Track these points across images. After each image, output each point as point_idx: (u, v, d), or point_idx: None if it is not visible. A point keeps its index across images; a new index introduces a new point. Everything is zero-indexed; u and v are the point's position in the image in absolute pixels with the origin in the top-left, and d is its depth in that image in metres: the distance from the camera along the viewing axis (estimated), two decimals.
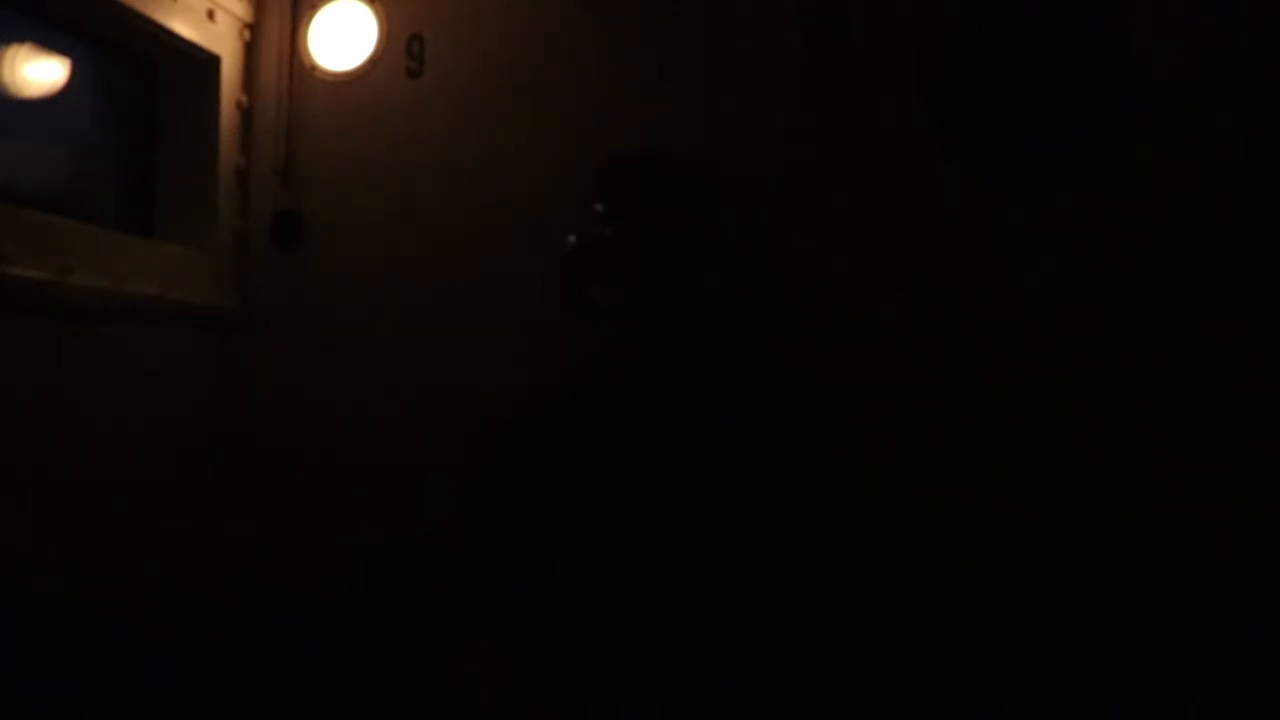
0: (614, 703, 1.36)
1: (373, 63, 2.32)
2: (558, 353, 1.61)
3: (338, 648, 2.17)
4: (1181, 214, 1.91)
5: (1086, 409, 1.93)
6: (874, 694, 1.44)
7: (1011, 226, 1.98)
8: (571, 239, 1.47)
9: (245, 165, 2.38)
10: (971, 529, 1.89)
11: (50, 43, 2.04)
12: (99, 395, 1.96)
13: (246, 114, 2.38)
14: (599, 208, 1.46)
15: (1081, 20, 1.97)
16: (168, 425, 2.16)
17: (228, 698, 2.15)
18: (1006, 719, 1.86)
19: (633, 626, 1.37)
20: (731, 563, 1.38)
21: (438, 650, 1.53)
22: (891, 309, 2.02)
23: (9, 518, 1.73)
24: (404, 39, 2.30)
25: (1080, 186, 1.96)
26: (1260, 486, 1.83)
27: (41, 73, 2.03)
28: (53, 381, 1.86)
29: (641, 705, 1.35)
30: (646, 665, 1.35)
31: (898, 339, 2.01)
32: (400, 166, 2.31)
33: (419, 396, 2.25)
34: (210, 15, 2.26)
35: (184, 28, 2.19)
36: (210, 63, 2.30)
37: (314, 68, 2.35)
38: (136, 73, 2.28)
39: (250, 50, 2.38)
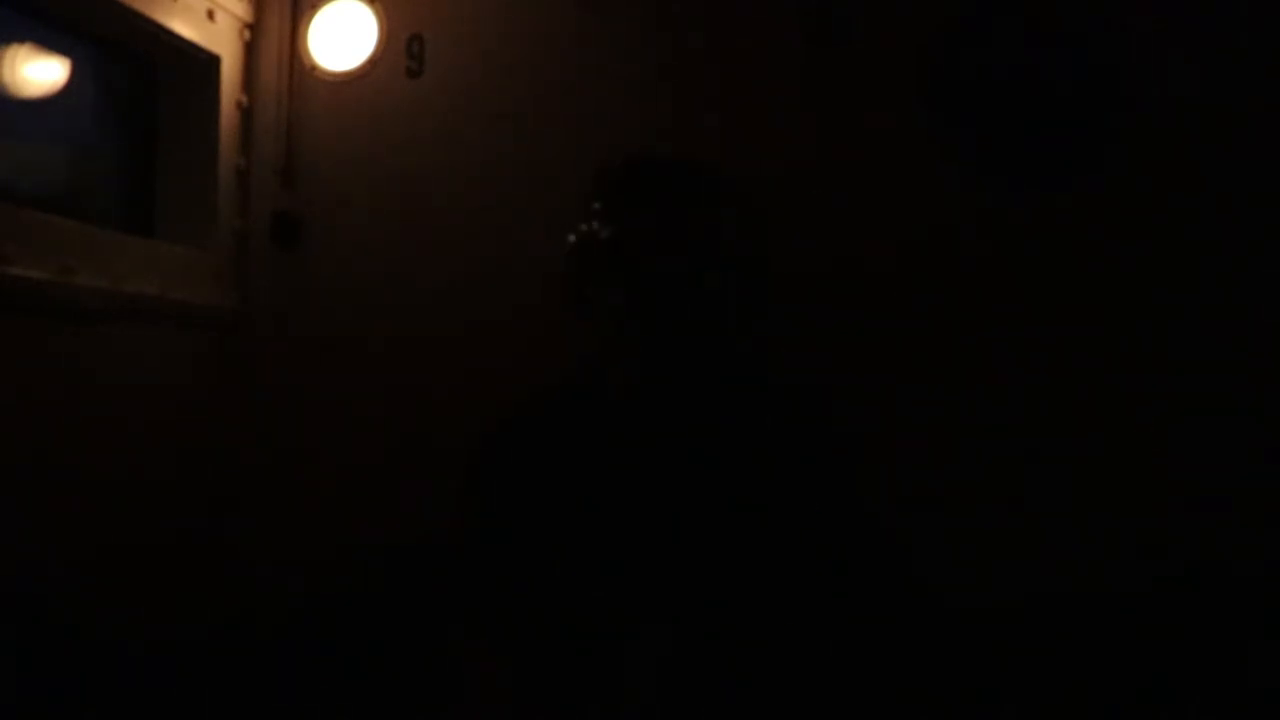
0: (614, 703, 1.36)
1: (373, 63, 2.32)
2: (558, 353, 1.61)
3: (338, 648, 2.17)
4: (1181, 214, 1.91)
5: (1086, 409, 1.93)
6: (874, 693, 1.44)
7: (1011, 226, 1.99)
8: (571, 239, 1.47)
9: (245, 165, 2.38)
10: (971, 529, 1.89)
11: (50, 43, 2.03)
12: (99, 395, 1.96)
13: (246, 114, 2.38)
14: (598, 208, 1.46)
15: (1081, 20, 1.97)
16: (168, 425, 2.16)
17: (228, 698, 2.15)
18: (1006, 719, 1.86)
19: (633, 626, 1.37)
20: (732, 562, 1.38)
21: (438, 650, 1.53)
22: (892, 309, 2.02)
23: (9, 518, 1.73)
24: (404, 39, 2.30)
25: (1080, 186, 1.96)
26: (1260, 486, 1.83)
27: (41, 73, 2.03)
28: (53, 381, 1.86)
29: (641, 705, 1.35)
30: (647, 665, 1.35)
31: (898, 339, 2.01)
32: (400, 166, 2.31)
33: (419, 396, 2.25)
34: (210, 15, 2.26)
35: (184, 28, 2.19)
36: (210, 63, 2.30)
37: (314, 68, 2.35)
38: (136, 73, 2.28)
39: (250, 50, 2.38)
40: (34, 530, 1.78)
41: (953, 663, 1.84)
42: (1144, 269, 1.93)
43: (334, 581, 2.21)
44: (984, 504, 1.91)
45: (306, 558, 2.26)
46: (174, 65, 2.29)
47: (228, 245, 2.35)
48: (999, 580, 1.88)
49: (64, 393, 1.87)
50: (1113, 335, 1.93)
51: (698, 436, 1.45)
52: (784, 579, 1.39)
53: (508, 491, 1.49)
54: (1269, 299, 1.87)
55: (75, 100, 2.12)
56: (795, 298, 1.93)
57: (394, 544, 2.18)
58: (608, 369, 1.51)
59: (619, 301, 1.45)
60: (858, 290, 2.02)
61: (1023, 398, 1.95)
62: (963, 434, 1.96)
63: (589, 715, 1.37)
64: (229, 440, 2.32)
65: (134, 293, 2.03)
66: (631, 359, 1.48)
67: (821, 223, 2.03)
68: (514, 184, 2.23)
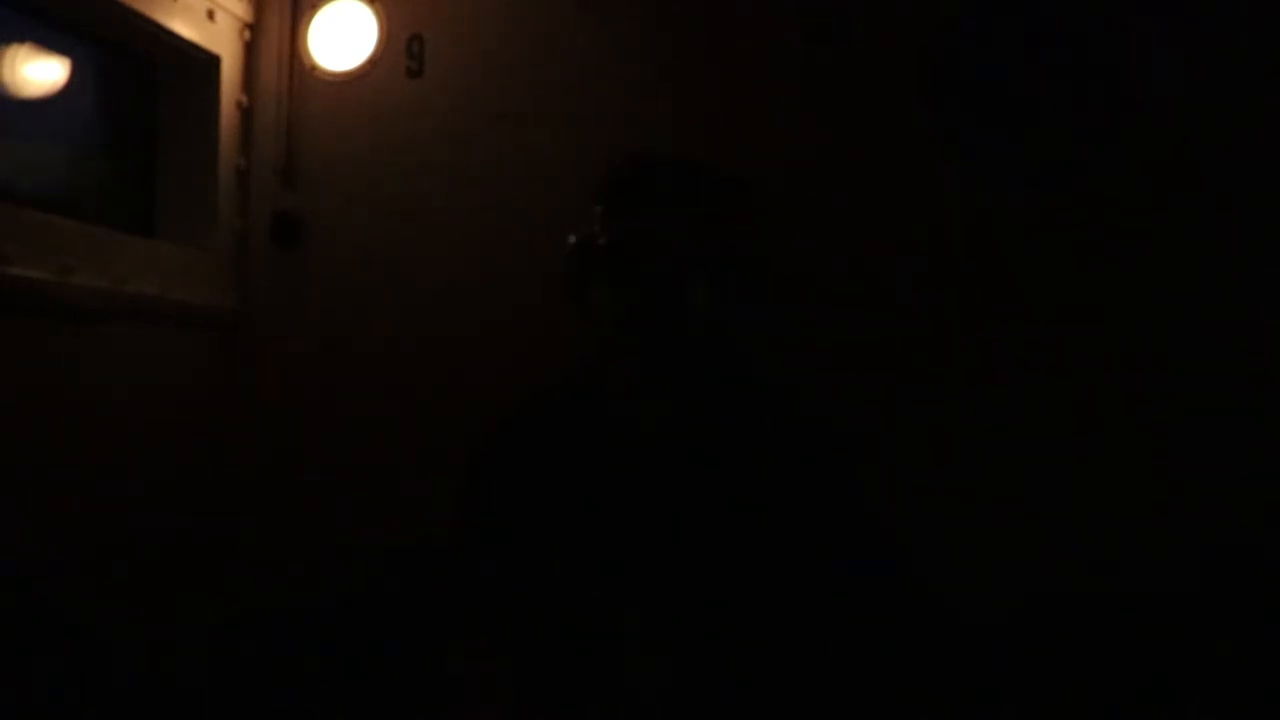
0: (614, 703, 1.36)
1: (373, 63, 2.32)
2: (558, 353, 1.61)
3: (338, 648, 2.17)
4: (1181, 214, 1.91)
5: (1086, 409, 1.93)
6: (874, 694, 1.43)
7: (1011, 226, 1.99)
8: (572, 240, 1.47)
9: (245, 165, 2.38)
10: (971, 529, 1.89)
11: (50, 43, 2.03)
12: (99, 395, 1.96)
13: (246, 114, 2.38)
14: (600, 210, 1.46)
15: (1081, 20, 1.97)
16: (168, 425, 2.16)
17: (228, 698, 2.15)
18: (1006, 719, 1.86)
19: (633, 627, 1.37)
20: (731, 563, 1.38)
21: (438, 650, 1.53)
22: (892, 309, 2.02)
23: (9, 517, 1.73)
24: (404, 39, 2.30)
25: (1080, 186, 1.96)
26: (1260, 486, 1.83)
27: (41, 73, 2.03)
28: (53, 381, 1.86)
29: (641, 705, 1.35)
30: (646, 665, 1.35)
31: (898, 339, 2.01)
32: (400, 166, 2.31)
33: (419, 396, 2.25)
34: (210, 15, 2.26)
35: (184, 28, 2.19)
36: (210, 63, 2.30)
37: (314, 68, 2.35)
38: (136, 73, 2.28)
39: (250, 50, 2.38)
40: (34, 530, 1.78)
41: (953, 663, 1.84)
42: (1144, 269, 1.93)
43: (334, 581, 2.21)
44: (984, 504, 1.91)
45: (306, 558, 2.26)
46: (174, 65, 2.29)
47: (228, 245, 2.35)
48: (999, 580, 1.88)
49: (64, 393, 1.87)
50: (1113, 335, 1.93)
51: (698, 437, 1.45)
52: (784, 579, 1.39)
53: (507, 491, 1.49)
54: (1269, 299, 1.87)
55: (75, 100, 2.12)
56: (795, 298, 1.92)
57: (394, 544, 2.18)
58: (608, 369, 1.51)
59: (619, 302, 1.45)
60: (858, 290, 2.02)
61: (1023, 398, 1.95)
62: (963, 434, 1.96)
63: (589, 715, 1.37)
64: (229, 440, 2.32)
65: (134, 293, 2.03)
66: (631, 359, 1.47)
67: (821, 223, 2.04)
68: (514, 184, 2.23)
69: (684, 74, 2.15)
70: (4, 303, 1.74)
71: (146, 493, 2.06)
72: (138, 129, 2.30)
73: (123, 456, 2.01)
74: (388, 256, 2.31)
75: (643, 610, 1.37)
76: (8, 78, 1.95)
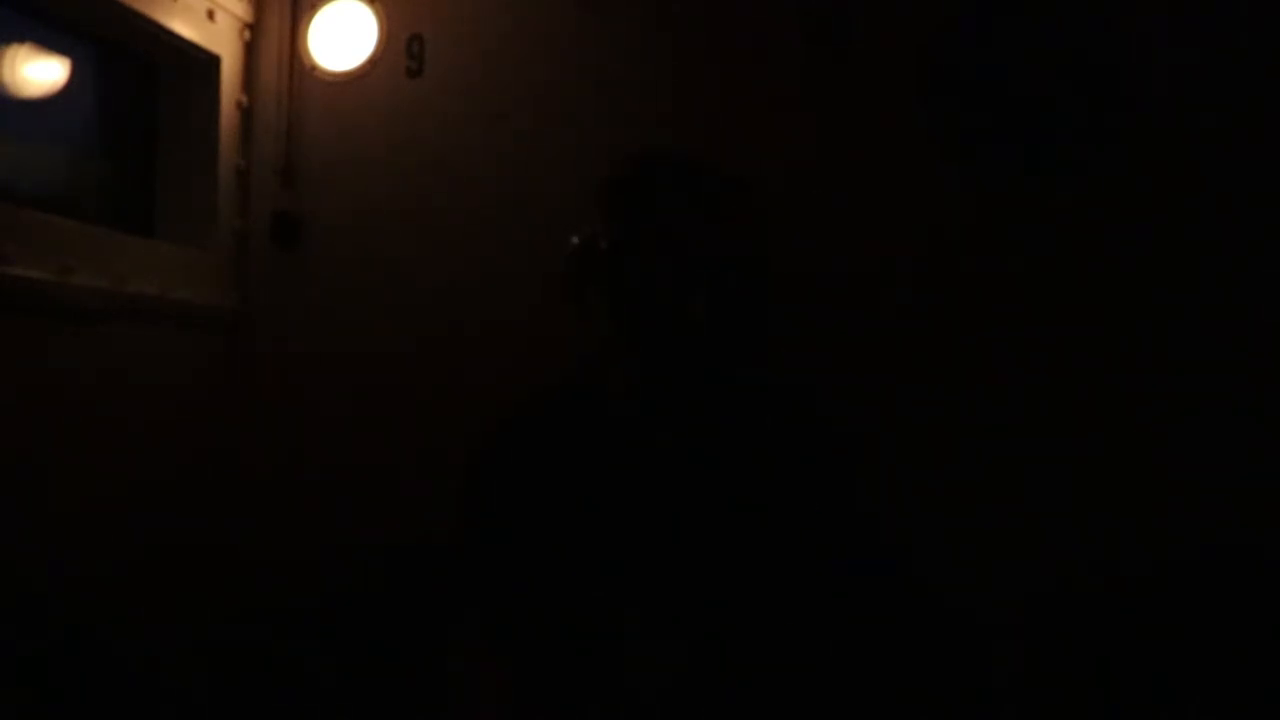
0: (614, 703, 1.36)
1: (373, 63, 2.32)
2: (558, 353, 1.61)
3: (338, 648, 2.17)
4: (1181, 214, 1.91)
5: (1086, 409, 1.93)
6: (874, 694, 1.44)
7: (1011, 226, 1.98)
8: (574, 240, 1.47)
9: (245, 165, 2.38)
10: (971, 529, 1.89)
11: (50, 43, 2.04)
12: (99, 395, 1.96)
13: (246, 114, 2.38)
14: (600, 211, 1.46)
15: (1081, 20, 1.97)
16: (168, 425, 2.16)
17: (228, 698, 2.15)
18: (1006, 719, 1.86)
19: (633, 626, 1.37)
20: (731, 563, 1.38)
21: (438, 650, 1.53)
22: (891, 309, 2.02)
23: (9, 518, 1.73)
24: (404, 39, 2.30)
25: (1080, 186, 1.96)
26: (1260, 486, 1.83)
27: (41, 73, 2.03)
28: (53, 381, 1.86)
29: (641, 705, 1.35)
30: (646, 665, 1.35)
31: (898, 339, 2.01)
32: (400, 166, 2.31)
33: (419, 396, 2.25)
34: (210, 15, 2.26)
35: (184, 28, 2.19)
36: (210, 63, 2.30)
37: (314, 68, 2.35)
38: (136, 73, 2.28)
39: (250, 50, 2.38)
40: (34, 530, 1.78)
41: (953, 663, 1.84)
42: (1144, 269, 1.92)
43: (334, 581, 2.21)
44: (984, 504, 1.91)
45: (306, 558, 2.26)
46: (174, 65, 2.29)
47: (228, 245, 2.35)
48: (999, 580, 1.88)
49: (64, 393, 1.87)
50: (1113, 335, 1.93)
51: (698, 437, 1.45)
52: (784, 579, 1.39)
53: (507, 491, 1.49)
54: (1269, 299, 1.87)
55: (75, 100, 2.12)
56: (795, 298, 1.93)
57: (394, 544, 2.18)
58: (608, 369, 1.51)
59: (619, 302, 1.45)
60: (858, 290, 2.02)
61: (1023, 398, 1.95)
62: (963, 434, 1.96)
63: (589, 715, 1.37)
64: (229, 440, 2.32)
65: (134, 293, 2.03)
66: (631, 359, 1.48)
67: (821, 223, 2.03)
68: (514, 184, 2.23)
69: (684, 74, 2.14)
70: (4, 303, 1.74)
71: (146, 492, 2.06)
72: (138, 129, 2.30)
73: (123, 457, 2.01)
74: (388, 256, 2.31)
75: (642, 610, 1.37)
76: (8, 78, 1.95)
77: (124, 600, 1.95)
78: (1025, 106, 1.98)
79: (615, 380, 1.49)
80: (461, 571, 1.50)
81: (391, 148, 2.31)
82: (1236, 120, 1.89)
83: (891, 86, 2.04)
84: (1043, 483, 1.91)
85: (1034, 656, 1.86)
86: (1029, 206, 1.98)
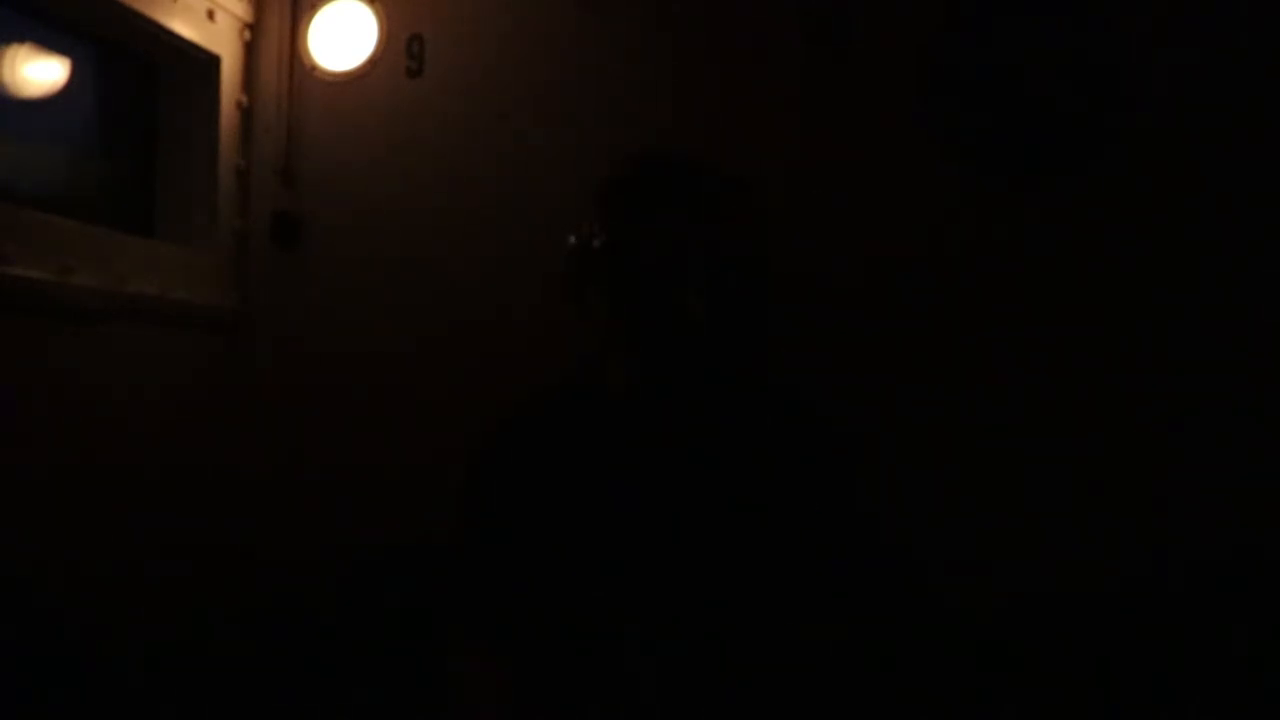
0: (614, 703, 1.36)
1: (373, 63, 2.32)
2: (558, 353, 1.61)
3: (337, 648, 2.17)
4: (1181, 214, 1.91)
5: (1086, 409, 1.93)
6: (874, 694, 1.43)
7: (1011, 226, 1.98)
8: (572, 240, 1.47)
9: (245, 165, 2.38)
10: (971, 529, 1.89)
11: (50, 43, 2.04)
12: (99, 395, 1.96)
13: (246, 114, 2.38)
14: (600, 212, 1.46)
15: (1081, 20, 1.97)
16: (168, 425, 2.16)
17: (228, 698, 2.15)
18: (1006, 719, 1.86)
19: (633, 626, 1.37)
20: (731, 563, 1.38)
21: (438, 650, 1.53)
22: (891, 309, 2.02)
23: (9, 518, 1.73)
24: (404, 39, 2.30)
25: (1080, 186, 1.96)
26: (1260, 486, 1.83)
27: (41, 73, 2.03)
28: (53, 381, 1.86)
29: (641, 706, 1.35)
30: (647, 665, 1.35)
31: (898, 339, 2.01)
32: (400, 166, 2.31)
33: (419, 396, 2.25)
34: (210, 15, 2.26)
35: (184, 28, 2.19)
36: (210, 63, 2.30)
37: (314, 68, 2.36)
38: (136, 73, 2.28)
39: (250, 50, 2.38)
40: (34, 530, 1.78)
41: (953, 663, 1.84)
42: (1144, 269, 1.92)
43: (334, 581, 2.21)
44: (984, 504, 1.91)
45: (306, 558, 2.26)
46: (174, 65, 2.29)
47: (228, 245, 2.35)
48: (999, 580, 1.88)
49: (64, 393, 1.88)
50: (1113, 335, 1.93)
51: (697, 437, 1.45)
52: (784, 579, 1.39)
53: (507, 491, 1.48)
54: (1269, 299, 1.87)
55: (75, 100, 2.12)
56: (795, 298, 1.93)
57: (394, 544, 2.18)
58: (608, 369, 1.51)
59: (619, 302, 1.45)
60: (858, 290, 2.02)
61: (1023, 398, 1.95)
62: (963, 434, 1.96)
63: (589, 715, 1.37)
64: (229, 440, 2.32)
65: (134, 293, 2.03)
66: (631, 359, 1.48)
67: (821, 223, 2.03)
68: (514, 184, 2.23)
69: (684, 74, 2.15)
70: (4, 303, 1.74)
71: (146, 492, 2.06)
72: (138, 129, 2.30)
73: (123, 456, 2.01)
74: (388, 256, 2.31)
75: (643, 610, 1.37)
76: (8, 78, 1.95)
77: (124, 600, 1.95)
78: (1025, 106, 1.98)
79: (615, 380, 1.49)
80: (461, 571, 1.50)
81: (391, 148, 2.32)
82: (1236, 120, 1.89)
83: (891, 86, 2.04)
84: (1043, 483, 1.92)
85: (1034, 656, 1.86)
86: (1029, 206, 1.98)
